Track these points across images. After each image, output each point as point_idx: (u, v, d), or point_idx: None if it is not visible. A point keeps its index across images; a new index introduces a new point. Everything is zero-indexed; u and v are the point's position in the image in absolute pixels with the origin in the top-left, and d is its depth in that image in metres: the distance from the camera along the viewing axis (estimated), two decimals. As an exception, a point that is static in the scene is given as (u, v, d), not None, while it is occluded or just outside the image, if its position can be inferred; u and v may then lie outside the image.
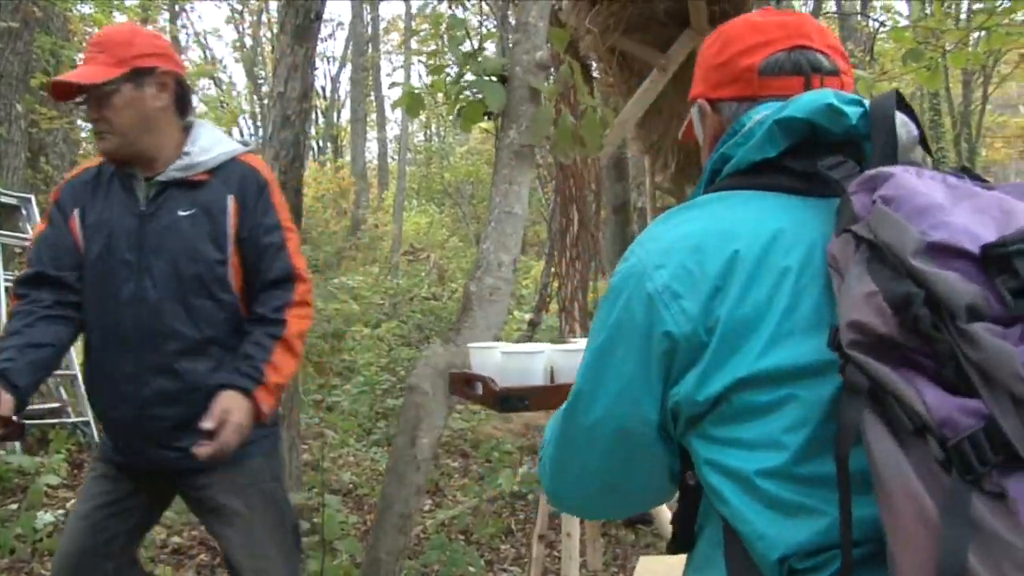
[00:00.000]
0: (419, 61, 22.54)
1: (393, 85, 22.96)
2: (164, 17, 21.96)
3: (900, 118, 1.07)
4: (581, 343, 2.28)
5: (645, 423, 1.13)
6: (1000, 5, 4.98)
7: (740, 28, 1.33)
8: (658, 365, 1.09)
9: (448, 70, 3.91)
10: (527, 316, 13.44)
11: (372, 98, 24.54)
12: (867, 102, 1.10)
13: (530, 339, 12.98)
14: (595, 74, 5.87)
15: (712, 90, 1.32)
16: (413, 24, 22.84)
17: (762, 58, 1.27)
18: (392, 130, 26.82)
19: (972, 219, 0.86)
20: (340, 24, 34.49)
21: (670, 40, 4.68)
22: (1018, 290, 0.79)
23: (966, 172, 1.02)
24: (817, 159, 1.10)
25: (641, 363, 1.11)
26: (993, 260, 0.81)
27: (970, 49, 5.20)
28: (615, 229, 9.44)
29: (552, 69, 3.50)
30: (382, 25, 25.38)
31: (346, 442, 7.65)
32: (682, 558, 1.25)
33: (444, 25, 3.90)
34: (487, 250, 3.19)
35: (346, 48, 24.71)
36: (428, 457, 3.19)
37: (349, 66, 22.84)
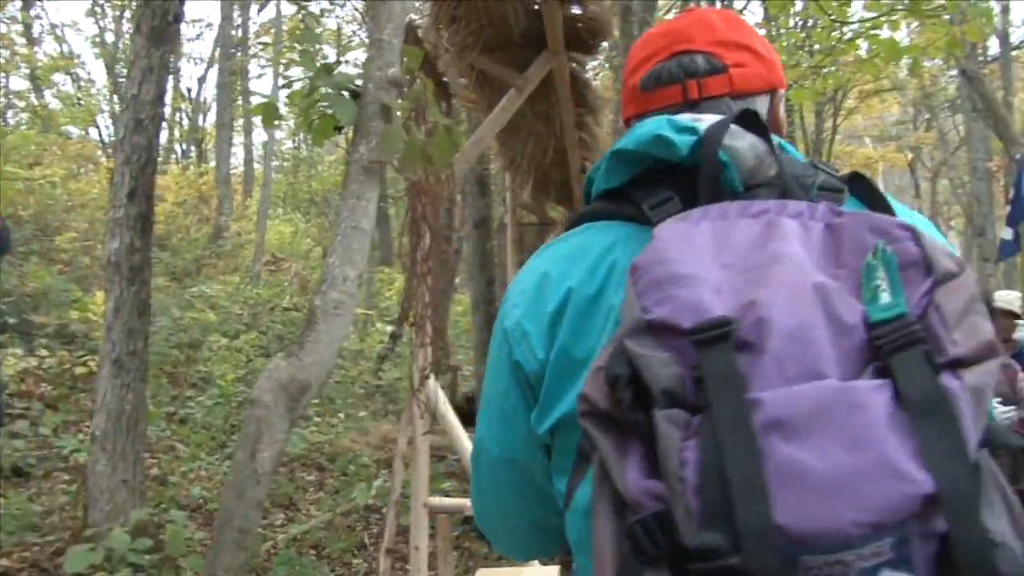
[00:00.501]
0: (276, 72, 22.22)
1: (252, 95, 22.40)
2: (16, 5, 20.92)
3: (747, 140, 1.03)
4: None
5: (531, 456, 1.13)
6: (837, 46, 5.29)
7: (635, 45, 1.31)
8: (524, 398, 1.10)
9: (303, 82, 3.89)
10: (389, 329, 13.42)
11: (240, 103, 24.01)
12: (703, 128, 1.04)
13: (391, 351, 12.96)
14: (457, 91, 5.94)
15: (624, 112, 1.29)
16: (284, 29, 22.48)
17: (644, 72, 1.24)
18: (259, 136, 26.29)
19: (712, 287, 0.85)
20: (209, 25, 33.54)
21: (528, 61, 4.77)
22: (698, 379, 0.79)
23: (815, 167, 1.03)
24: (654, 190, 1.06)
25: (519, 397, 1.11)
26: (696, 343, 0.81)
27: (809, 84, 5.51)
28: (476, 243, 9.56)
29: (405, 87, 3.53)
30: (253, 29, 24.81)
31: (197, 456, 7.45)
32: (519, 568, 1.29)
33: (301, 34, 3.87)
34: (332, 264, 3.19)
35: (214, 50, 24.09)
36: (269, 471, 3.15)
37: (217, 68, 22.27)
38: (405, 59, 3.57)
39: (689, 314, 0.83)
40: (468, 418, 6.86)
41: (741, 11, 18.00)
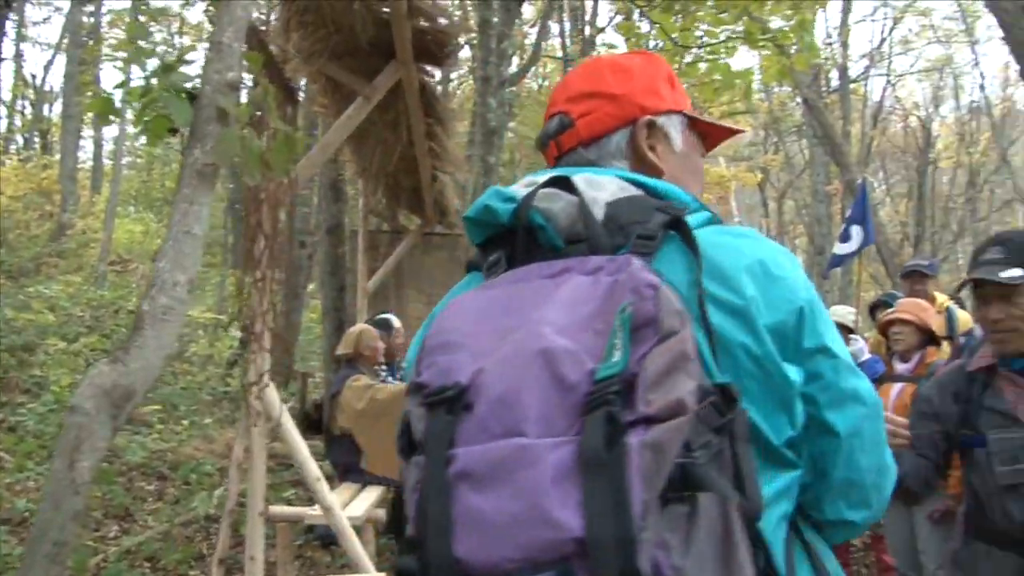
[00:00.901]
0: (115, 66, 21.36)
1: (96, 88, 21.45)
2: None
3: (562, 202, 1.18)
4: None
5: None
6: (679, 68, 5.51)
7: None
8: None
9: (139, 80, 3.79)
10: (239, 335, 13.10)
11: (91, 95, 22.96)
12: (520, 196, 1.20)
13: (241, 356, 12.63)
14: (311, 96, 5.88)
15: None
16: (141, 19, 21.63)
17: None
18: (112, 130, 25.20)
19: (472, 353, 1.02)
20: (58, 9, 31.89)
21: (376, 70, 4.78)
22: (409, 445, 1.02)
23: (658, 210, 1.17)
24: (492, 251, 1.23)
25: None
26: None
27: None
28: (328, 249, 9.50)
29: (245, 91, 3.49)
30: (107, 17, 23.76)
31: (24, 466, 7.09)
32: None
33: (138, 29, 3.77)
34: (163, 269, 3.11)
35: (62, 36, 22.97)
36: (87, 481, 3.05)
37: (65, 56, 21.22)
38: (246, 63, 3.54)
39: (438, 379, 1.01)
40: (316, 425, 6.79)
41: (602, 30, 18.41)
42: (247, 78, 3.77)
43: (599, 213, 1.18)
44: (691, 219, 1.20)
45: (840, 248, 8.21)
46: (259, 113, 3.58)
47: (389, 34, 4.49)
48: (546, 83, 22.51)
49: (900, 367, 4.85)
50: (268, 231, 3.63)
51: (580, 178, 1.24)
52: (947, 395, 2.71)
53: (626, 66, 1.45)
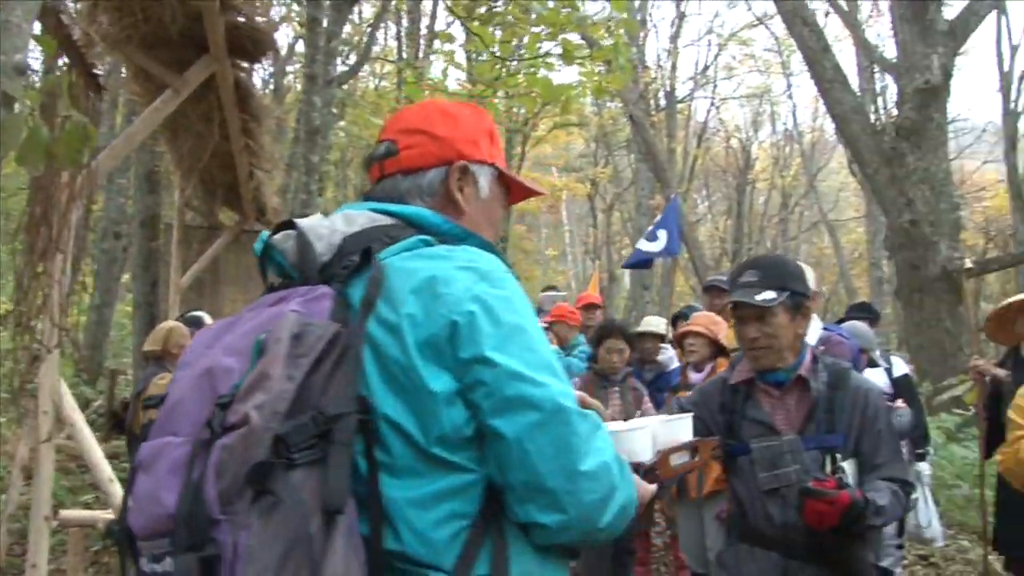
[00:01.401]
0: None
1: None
2: None
3: (290, 242, 1.47)
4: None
5: None
6: (500, 79, 5.63)
7: None
8: None
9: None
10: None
11: None
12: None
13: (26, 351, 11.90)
14: (123, 83, 5.65)
15: None
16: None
17: None
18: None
19: (184, 369, 1.37)
20: None
21: (188, 62, 4.67)
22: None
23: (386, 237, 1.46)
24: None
25: None
26: None
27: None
28: (141, 243, 9.13)
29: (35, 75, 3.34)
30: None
31: None
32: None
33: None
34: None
35: None
36: None
37: None
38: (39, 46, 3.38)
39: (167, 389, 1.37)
40: (123, 424, 6.51)
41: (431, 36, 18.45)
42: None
43: (330, 246, 1.44)
44: (402, 244, 1.45)
45: (644, 245, 8.50)
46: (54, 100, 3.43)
47: (202, 27, 4.40)
48: (383, 84, 22.36)
49: (694, 376, 5.12)
50: (56, 223, 3.48)
51: (339, 215, 1.52)
52: (713, 406, 2.89)
53: (454, 114, 1.67)
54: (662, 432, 2.11)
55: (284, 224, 1.50)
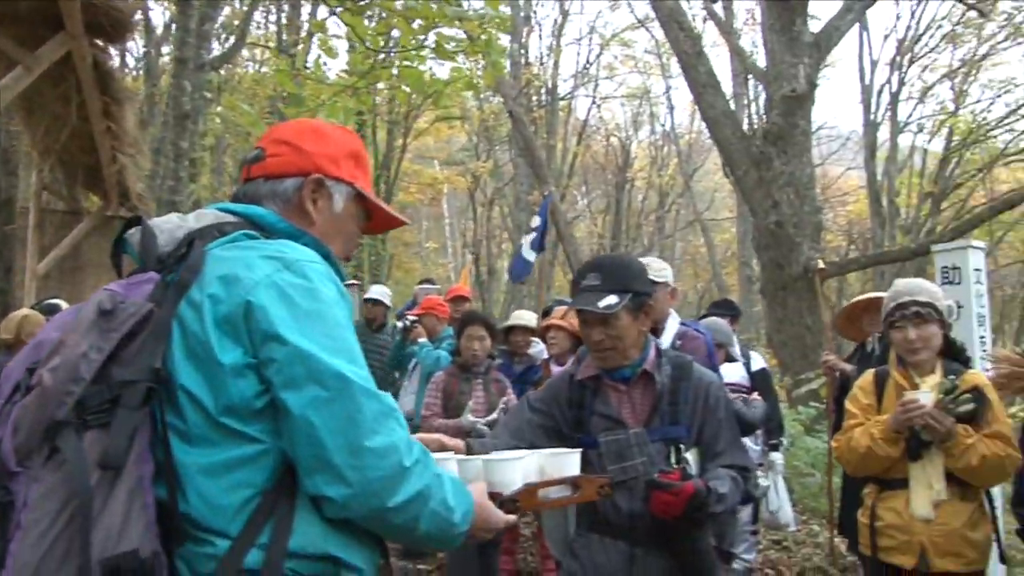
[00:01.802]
0: None
1: None
2: None
3: (137, 236, 1.62)
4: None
5: None
6: (373, 70, 5.60)
7: None
8: None
9: None
10: None
11: None
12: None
13: None
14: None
15: None
16: None
17: None
18: None
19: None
20: None
21: (42, 40, 4.48)
22: None
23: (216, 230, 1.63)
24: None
25: None
26: None
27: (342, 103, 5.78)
28: (-4, 226, 8.69)
29: None
30: None
31: None
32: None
33: None
34: None
35: None
36: None
37: None
38: None
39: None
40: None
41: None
42: None
43: (172, 239, 1.60)
44: (228, 237, 1.61)
45: (528, 254, 8.60)
46: None
47: (56, 4, 4.22)
48: (263, 70, 21.85)
49: (556, 370, 5.20)
50: None
51: (193, 214, 1.68)
52: (561, 401, 2.94)
53: (325, 133, 1.85)
54: (549, 464, 2.18)
55: (136, 220, 1.65)
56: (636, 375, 2.89)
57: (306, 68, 8.51)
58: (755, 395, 5.03)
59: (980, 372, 3.69)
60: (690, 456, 2.86)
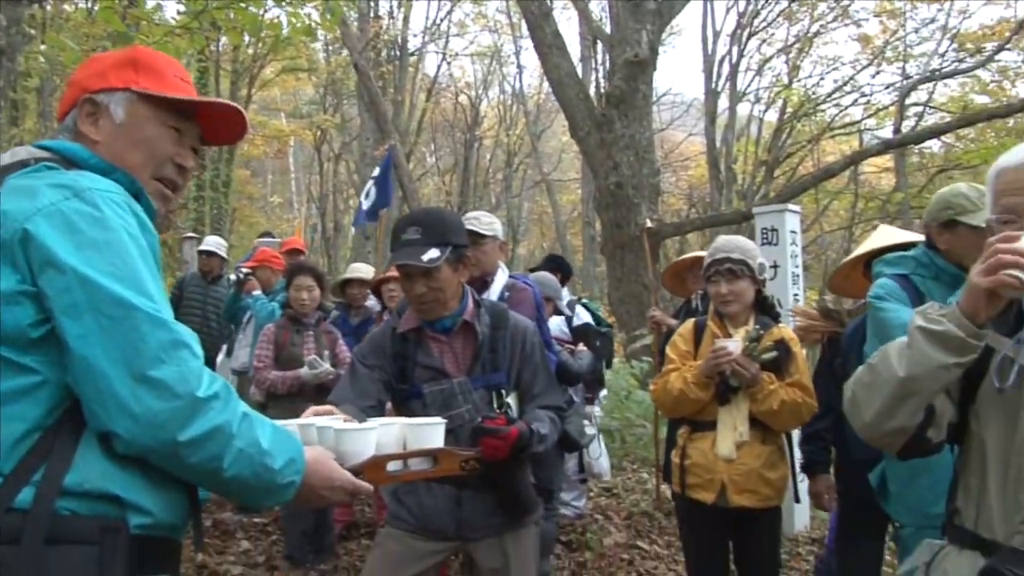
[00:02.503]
0: None
1: None
2: None
3: None
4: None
5: None
6: (206, 10, 5.41)
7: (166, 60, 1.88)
8: None
9: None
10: None
11: None
12: None
13: None
14: None
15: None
16: None
17: None
18: None
19: None
20: None
21: None
22: None
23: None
24: None
25: None
26: None
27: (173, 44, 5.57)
28: None
29: None
30: None
31: None
32: None
33: None
34: None
35: None
36: None
37: None
38: None
39: None
40: None
41: None
42: None
43: None
44: (29, 169, 1.55)
45: (364, 203, 8.57)
46: None
47: None
48: (93, 6, 20.62)
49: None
50: None
51: (9, 152, 1.64)
52: (386, 353, 2.97)
53: (96, 58, 1.81)
54: (411, 434, 2.12)
55: None
56: (457, 325, 2.96)
57: (135, 6, 8.09)
58: (581, 346, 5.19)
59: (787, 326, 3.94)
60: (511, 401, 2.97)
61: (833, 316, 4.16)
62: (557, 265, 6.39)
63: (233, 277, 7.19)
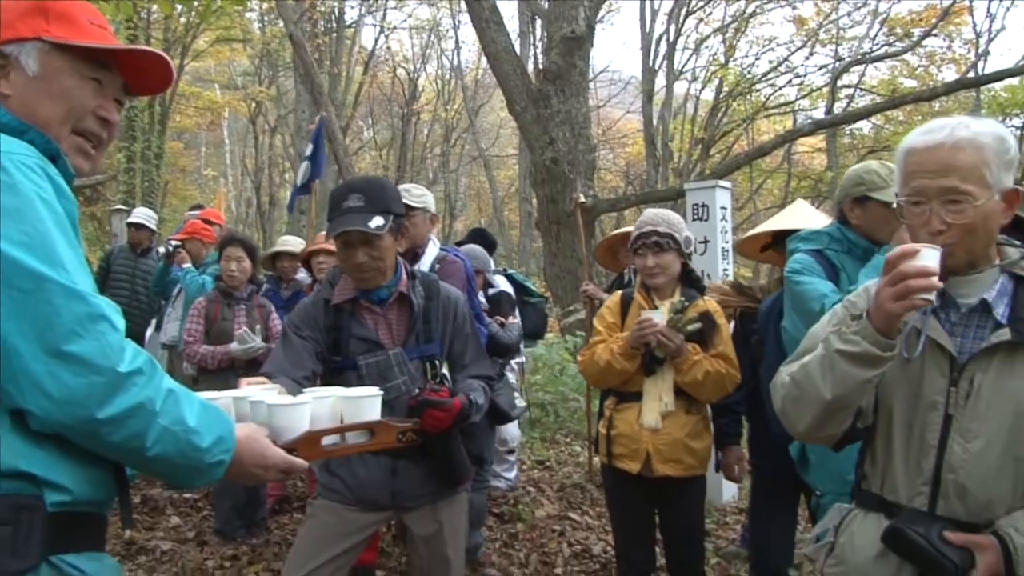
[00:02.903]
0: None
1: None
2: None
3: None
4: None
5: None
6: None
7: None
8: None
9: None
10: None
11: None
12: None
13: None
14: None
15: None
16: None
17: None
18: None
19: None
20: None
21: None
22: None
23: None
24: None
25: None
26: None
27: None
28: None
29: None
30: None
31: None
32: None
33: None
34: None
35: None
36: None
37: None
38: None
39: None
40: None
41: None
42: None
43: None
44: None
45: (299, 178, 8.48)
46: None
47: None
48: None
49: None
50: None
51: None
52: (319, 325, 2.95)
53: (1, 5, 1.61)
54: (346, 408, 2.07)
55: None
56: (392, 297, 2.96)
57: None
58: (512, 319, 5.22)
59: (712, 299, 4.02)
60: (446, 371, 3.00)
61: (746, 292, 4.28)
62: (483, 238, 6.42)
63: (162, 250, 7.08)
